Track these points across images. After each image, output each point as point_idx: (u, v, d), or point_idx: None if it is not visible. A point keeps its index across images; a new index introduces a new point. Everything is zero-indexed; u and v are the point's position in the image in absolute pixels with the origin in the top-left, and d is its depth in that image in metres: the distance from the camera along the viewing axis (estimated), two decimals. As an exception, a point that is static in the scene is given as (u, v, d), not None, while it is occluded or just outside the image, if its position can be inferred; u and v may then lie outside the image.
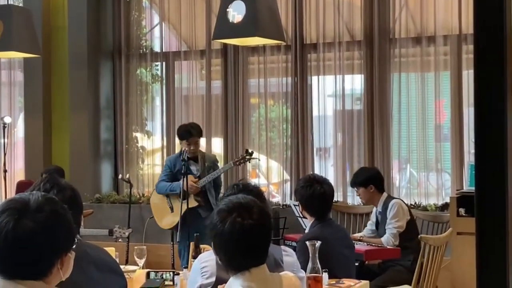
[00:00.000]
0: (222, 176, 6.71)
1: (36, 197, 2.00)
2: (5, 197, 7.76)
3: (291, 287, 2.53)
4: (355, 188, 5.71)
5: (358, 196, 5.81)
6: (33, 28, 6.51)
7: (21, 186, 7.19)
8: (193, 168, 6.42)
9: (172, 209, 6.49)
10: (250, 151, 6.55)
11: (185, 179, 6.06)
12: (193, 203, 6.31)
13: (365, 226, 5.98)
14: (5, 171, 7.46)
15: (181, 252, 6.29)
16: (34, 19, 6.66)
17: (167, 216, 6.52)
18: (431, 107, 7.17)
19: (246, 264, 2.44)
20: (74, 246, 2.06)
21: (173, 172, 6.44)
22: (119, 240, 5.51)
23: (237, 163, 6.48)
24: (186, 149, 6.24)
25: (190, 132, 6.34)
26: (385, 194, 5.65)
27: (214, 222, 2.47)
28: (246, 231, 2.44)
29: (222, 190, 6.46)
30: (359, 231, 5.97)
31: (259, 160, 7.40)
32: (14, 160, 8.57)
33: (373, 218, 5.74)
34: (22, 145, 8.48)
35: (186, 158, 6.06)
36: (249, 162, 6.64)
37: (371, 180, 5.64)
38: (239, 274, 2.43)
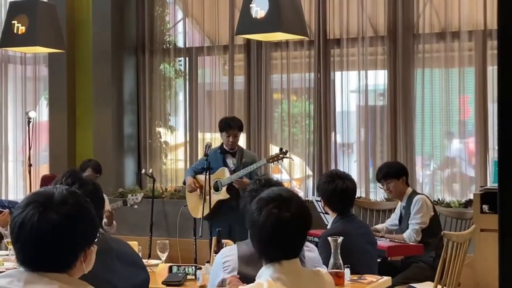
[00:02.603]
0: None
1: (60, 190, 2.02)
2: (30, 191, 7.82)
3: (326, 284, 2.52)
4: (387, 181, 5.55)
5: (387, 191, 5.68)
6: (58, 23, 6.54)
7: (46, 180, 7.24)
8: (229, 161, 6.48)
9: (204, 198, 6.51)
10: (284, 150, 6.50)
11: (207, 174, 6.09)
12: (225, 195, 6.34)
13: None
14: (29, 165, 7.51)
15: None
16: (58, 14, 6.70)
17: (199, 206, 6.53)
18: (455, 103, 7.10)
19: (277, 256, 2.43)
20: (96, 240, 2.08)
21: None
22: (135, 206, 5.43)
23: (270, 160, 6.45)
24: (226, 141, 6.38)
25: (229, 125, 6.42)
26: (410, 189, 5.62)
27: (252, 211, 2.46)
28: (280, 224, 2.41)
29: None
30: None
31: (292, 160, 7.36)
32: (38, 155, 8.64)
33: (397, 211, 5.70)
34: (46, 139, 8.54)
35: (207, 153, 6.11)
36: (282, 161, 6.59)
37: (403, 172, 5.62)
38: (269, 264, 2.43)
